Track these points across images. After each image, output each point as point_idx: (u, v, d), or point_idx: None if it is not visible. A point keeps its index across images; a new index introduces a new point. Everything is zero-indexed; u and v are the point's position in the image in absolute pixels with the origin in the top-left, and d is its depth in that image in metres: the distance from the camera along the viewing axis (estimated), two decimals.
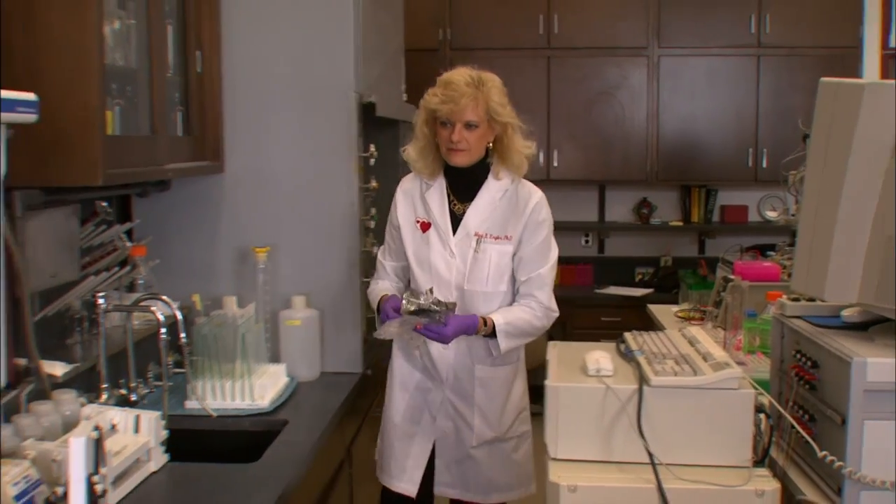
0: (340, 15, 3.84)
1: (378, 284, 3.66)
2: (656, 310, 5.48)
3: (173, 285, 3.70)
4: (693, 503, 2.67)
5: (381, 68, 4.50)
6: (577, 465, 2.79)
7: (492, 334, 3.31)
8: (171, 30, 3.44)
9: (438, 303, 3.16)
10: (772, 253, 5.63)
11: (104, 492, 2.28)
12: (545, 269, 3.43)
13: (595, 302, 7.42)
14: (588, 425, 2.80)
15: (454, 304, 3.26)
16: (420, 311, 3.13)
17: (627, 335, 3.23)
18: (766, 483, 2.67)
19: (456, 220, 3.47)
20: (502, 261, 3.42)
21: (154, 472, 2.74)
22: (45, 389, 2.73)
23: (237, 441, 3.21)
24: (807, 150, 3.12)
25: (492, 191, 3.45)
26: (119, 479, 2.51)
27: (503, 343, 3.32)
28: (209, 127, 3.79)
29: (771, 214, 7.42)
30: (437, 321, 3.14)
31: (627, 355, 3.06)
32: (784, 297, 3.10)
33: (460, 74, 3.30)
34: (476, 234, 3.42)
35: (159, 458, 2.78)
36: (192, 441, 3.08)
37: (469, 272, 3.42)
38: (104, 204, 3.47)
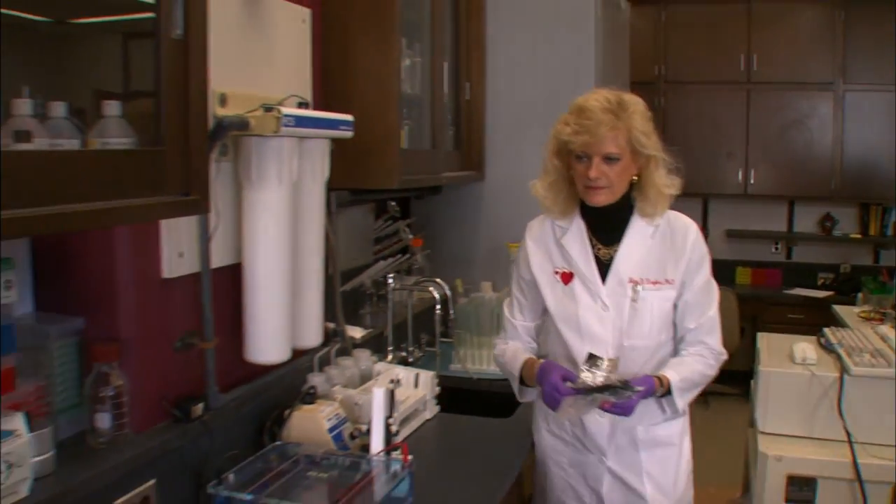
0: (583, 51, 3.86)
1: (509, 346, 2.66)
2: (840, 310, 5.32)
3: (440, 271, 3.82)
4: (883, 477, 2.62)
5: None
6: (781, 439, 2.84)
7: (666, 393, 2.41)
8: (447, 66, 3.55)
9: (614, 368, 2.30)
10: None
11: (396, 432, 2.40)
12: (713, 310, 2.52)
13: (783, 301, 7.12)
14: (793, 405, 2.85)
15: (617, 360, 2.36)
16: (606, 388, 2.24)
17: (827, 330, 3.22)
18: None
19: (603, 267, 2.48)
20: (665, 308, 2.47)
21: (428, 420, 2.87)
22: (348, 348, 2.88)
23: (492, 399, 3.28)
24: None
25: (641, 229, 2.47)
26: (404, 422, 2.64)
27: (680, 401, 2.42)
28: (474, 143, 3.90)
29: None
30: (625, 396, 2.24)
31: (828, 347, 3.06)
32: None
33: (597, 99, 2.35)
34: (631, 281, 2.44)
35: (432, 409, 2.91)
36: (456, 397, 3.17)
37: (628, 326, 2.45)
38: (392, 203, 3.63)
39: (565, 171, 2.45)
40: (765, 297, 7.06)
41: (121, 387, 1.93)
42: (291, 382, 2.54)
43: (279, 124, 2.12)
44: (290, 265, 2.30)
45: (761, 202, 7.52)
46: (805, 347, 2.97)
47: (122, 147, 1.62)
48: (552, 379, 2.31)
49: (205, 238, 2.15)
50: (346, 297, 3.04)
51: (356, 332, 2.99)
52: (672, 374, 2.40)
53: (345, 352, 2.86)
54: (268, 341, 2.27)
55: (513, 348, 2.63)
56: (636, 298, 2.43)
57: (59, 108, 1.58)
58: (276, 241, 2.24)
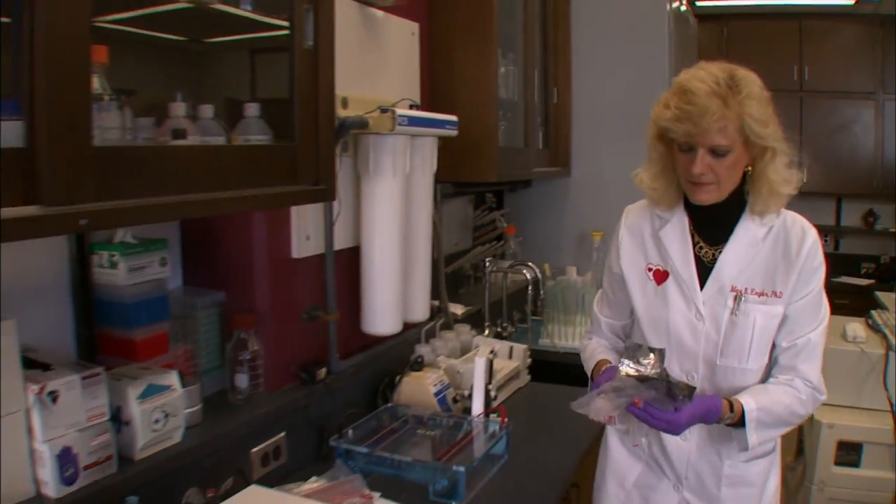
0: (657, 60, 3.81)
1: (592, 342, 2.20)
2: (882, 296, 5.29)
3: (531, 256, 3.83)
4: None
5: None
6: (834, 409, 2.88)
7: (739, 422, 1.84)
8: (537, 73, 3.56)
9: (667, 378, 1.76)
10: None
11: (494, 397, 2.44)
12: (816, 334, 1.91)
13: (831, 288, 7.03)
14: (844, 378, 2.89)
15: (693, 390, 1.76)
16: (643, 379, 1.74)
17: (874, 312, 3.25)
18: None
19: (704, 270, 1.92)
20: (769, 326, 1.89)
21: (521, 388, 2.88)
22: (450, 323, 2.92)
23: (576, 371, 3.28)
24: None
25: (752, 230, 1.90)
26: (500, 389, 2.67)
27: (753, 436, 1.84)
28: (561, 142, 3.89)
29: None
30: (665, 401, 1.73)
31: (875, 328, 3.06)
32: None
33: (703, 78, 1.75)
34: (734, 290, 1.89)
35: (524, 378, 2.92)
36: (545, 368, 3.16)
37: (724, 342, 1.89)
38: (489, 195, 3.66)
39: (672, 158, 1.88)
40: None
41: (257, 352, 2.01)
42: (401, 352, 2.58)
43: (395, 123, 2.17)
44: (402, 248, 2.34)
45: (813, 198, 7.36)
46: (855, 327, 3.01)
47: (260, 143, 1.69)
48: (599, 377, 1.88)
49: (329, 223, 2.21)
50: (448, 278, 3.06)
51: (457, 309, 3.03)
52: (748, 400, 1.83)
53: (447, 326, 2.90)
54: (382, 315, 2.32)
55: (593, 346, 2.17)
56: (737, 311, 1.88)
57: (207, 111, 1.65)
58: (390, 227, 2.28)
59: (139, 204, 1.27)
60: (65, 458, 1.50)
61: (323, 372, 2.20)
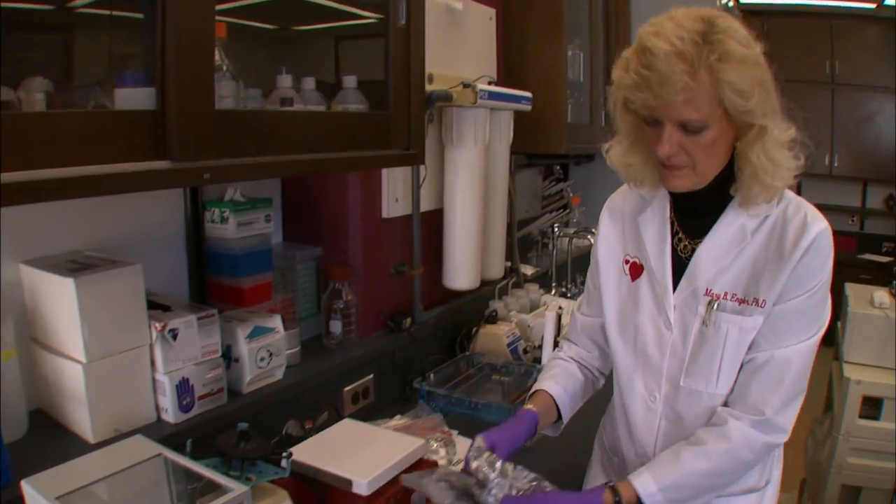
0: None
1: (555, 361, 1.62)
2: None
3: (593, 223, 3.76)
4: None
5: None
6: (861, 367, 2.91)
7: None
8: (602, 56, 3.49)
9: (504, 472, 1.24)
10: None
11: (562, 347, 2.41)
12: (792, 352, 1.29)
13: (856, 264, 7.29)
14: (871, 340, 2.93)
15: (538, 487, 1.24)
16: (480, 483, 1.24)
17: None
18: None
19: (681, 267, 1.37)
20: (745, 342, 1.31)
21: None
22: (521, 282, 2.90)
23: None
24: None
25: (739, 221, 1.32)
26: None
27: None
28: None
29: None
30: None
31: None
32: None
33: (669, 32, 1.18)
34: (708, 294, 1.34)
35: None
36: None
37: (690, 358, 1.35)
38: (557, 167, 3.60)
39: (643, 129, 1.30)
40: (843, 261, 7.03)
41: (350, 301, 2.01)
42: (477, 307, 2.56)
43: (476, 97, 2.14)
44: (481, 211, 2.31)
45: (843, 182, 7.53)
46: (882, 295, 3.04)
47: (358, 111, 1.68)
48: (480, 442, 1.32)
49: (416, 187, 2.19)
50: (518, 242, 3.03)
51: (527, 270, 3.00)
52: (647, 481, 1.27)
53: (518, 285, 2.87)
54: (462, 271, 2.30)
55: (550, 367, 1.60)
56: (708, 320, 1.32)
57: (309, 83, 1.66)
58: (470, 191, 2.26)
59: (253, 162, 1.28)
60: (183, 389, 1.52)
61: (408, 321, 2.20)
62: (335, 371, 1.93)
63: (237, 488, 1.00)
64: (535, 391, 1.52)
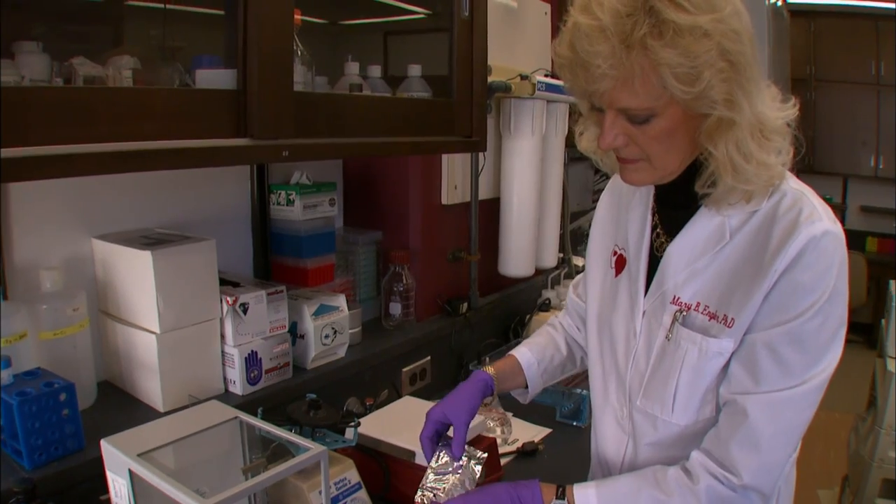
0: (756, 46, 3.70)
1: (545, 328, 1.49)
2: None
3: None
4: None
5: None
6: None
7: None
8: None
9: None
10: None
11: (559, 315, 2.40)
12: (786, 397, 0.96)
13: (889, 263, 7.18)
14: None
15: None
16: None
17: None
18: None
19: (655, 266, 1.12)
20: (705, 369, 1.03)
21: None
22: (572, 272, 2.88)
23: None
24: None
25: (718, 217, 1.03)
26: None
27: None
28: None
29: None
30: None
31: None
32: None
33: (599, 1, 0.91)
34: (676, 303, 1.07)
35: None
36: None
37: (650, 376, 1.10)
38: None
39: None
40: (886, 262, 6.95)
41: (409, 284, 2.03)
42: (530, 295, 2.56)
43: (534, 89, 2.14)
44: (536, 201, 2.31)
45: (887, 184, 7.30)
46: None
47: (422, 98, 1.70)
48: (433, 415, 1.21)
49: (475, 175, 2.20)
50: (571, 234, 3.03)
51: (579, 261, 2.98)
52: (588, 491, 1.05)
53: (570, 275, 2.86)
54: (517, 259, 2.31)
55: (539, 334, 1.48)
56: (671, 334, 1.07)
57: (376, 70, 1.68)
58: (527, 181, 2.26)
59: (328, 142, 1.31)
60: (251, 361, 1.56)
61: (464, 306, 2.21)
62: (394, 351, 1.95)
63: (315, 447, 1.03)
64: (507, 355, 1.42)
